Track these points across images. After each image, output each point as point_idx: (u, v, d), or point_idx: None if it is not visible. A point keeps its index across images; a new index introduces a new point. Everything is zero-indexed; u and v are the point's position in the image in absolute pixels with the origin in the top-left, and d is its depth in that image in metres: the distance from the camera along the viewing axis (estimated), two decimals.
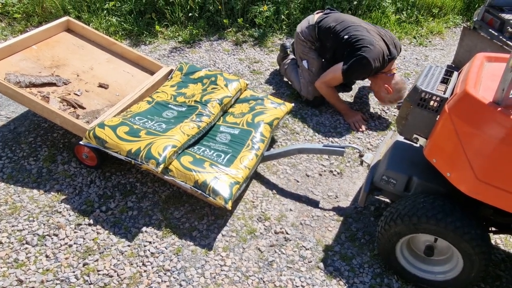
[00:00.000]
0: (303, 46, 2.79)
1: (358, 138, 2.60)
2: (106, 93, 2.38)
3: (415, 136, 1.66)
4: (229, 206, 1.80)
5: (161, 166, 1.82)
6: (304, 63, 2.79)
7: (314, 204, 2.14)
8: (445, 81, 1.66)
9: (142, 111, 2.17)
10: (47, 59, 2.43)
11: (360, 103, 2.91)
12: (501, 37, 2.86)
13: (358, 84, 3.11)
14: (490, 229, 1.73)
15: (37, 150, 2.33)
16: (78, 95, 2.30)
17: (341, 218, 2.06)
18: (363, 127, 2.66)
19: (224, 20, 3.79)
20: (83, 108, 2.24)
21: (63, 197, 2.06)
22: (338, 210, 2.11)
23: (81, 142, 2.00)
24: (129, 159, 1.86)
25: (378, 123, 2.74)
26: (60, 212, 1.98)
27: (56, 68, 2.41)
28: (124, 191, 2.11)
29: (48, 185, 2.12)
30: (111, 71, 2.53)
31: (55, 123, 2.14)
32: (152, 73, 2.59)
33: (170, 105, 2.26)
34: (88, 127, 2.01)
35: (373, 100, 2.95)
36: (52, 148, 2.35)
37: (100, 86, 2.41)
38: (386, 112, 2.84)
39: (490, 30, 2.95)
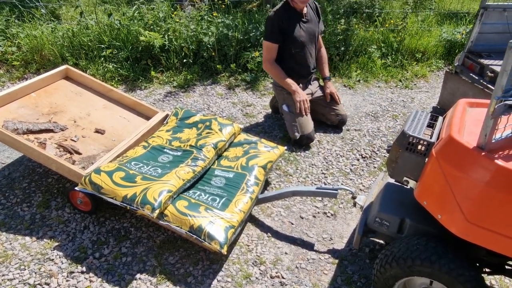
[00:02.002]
0: (281, 93, 2.94)
1: (350, 179, 2.65)
2: (103, 139, 2.42)
3: (405, 178, 1.71)
4: (224, 250, 1.79)
5: (157, 211, 1.83)
6: (284, 107, 2.92)
7: (309, 246, 2.14)
8: (431, 125, 1.74)
9: (138, 156, 2.21)
10: (45, 106, 2.49)
11: (351, 144, 2.99)
12: (481, 81, 3.00)
13: (347, 126, 3.20)
14: (484, 270, 1.74)
15: (31, 196, 2.33)
16: (75, 141, 2.34)
17: (337, 261, 2.06)
18: (305, 112, 2.84)
19: (218, 66, 3.94)
20: (79, 153, 2.27)
21: (56, 243, 2.03)
22: (333, 252, 2.11)
23: (76, 188, 2.01)
24: (125, 204, 1.87)
25: (369, 163, 2.80)
26: (52, 260, 1.95)
27: (54, 115, 2.46)
28: (118, 237, 2.10)
29: (41, 232, 2.10)
30: (107, 116, 2.59)
31: (51, 169, 2.15)
32: (148, 118, 2.65)
33: (165, 150, 2.31)
34: (84, 173, 2.03)
35: (363, 142, 3.03)
36: (46, 193, 2.35)
37: (97, 131, 2.45)
38: (376, 153, 2.91)
39: (471, 74, 3.11)
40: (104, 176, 1.96)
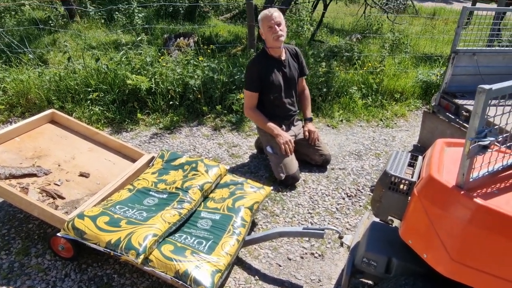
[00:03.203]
0: (265, 135, 3.01)
1: (337, 218, 2.66)
2: (87, 182, 2.40)
3: (390, 217, 1.74)
4: None
5: (141, 256, 1.79)
6: (269, 148, 2.97)
7: None
8: (411, 164, 1.79)
9: (123, 199, 2.18)
10: (29, 150, 2.47)
11: (336, 183, 3.03)
12: (457, 120, 3.14)
13: (332, 165, 3.26)
14: None
15: (10, 242, 2.25)
16: (58, 185, 2.31)
17: None
18: (289, 153, 2.88)
19: (203, 108, 4.01)
20: (62, 198, 2.23)
21: None
22: None
23: (58, 234, 1.96)
24: (108, 250, 1.83)
25: (354, 202, 2.83)
26: None
27: (38, 159, 2.44)
28: (100, 284, 2.02)
29: (19, 281, 2.01)
30: (93, 160, 2.58)
31: (33, 214, 2.10)
32: (133, 160, 2.65)
33: (151, 192, 2.29)
34: (67, 218, 1.99)
35: (348, 180, 3.07)
36: (26, 240, 2.28)
37: (81, 175, 2.43)
38: (361, 192, 2.94)
39: (447, 114, 3.25)
40: (87, 221, 1.92)
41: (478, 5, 9.28)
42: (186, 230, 2.10)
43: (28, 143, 2.53)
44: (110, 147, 2.72)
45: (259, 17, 2.81)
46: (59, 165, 2.45)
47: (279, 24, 2.75)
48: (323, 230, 2.13)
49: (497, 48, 3.42)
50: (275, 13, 2.74)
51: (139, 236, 1.85)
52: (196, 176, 2.40)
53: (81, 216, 1.96)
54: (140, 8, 6.06)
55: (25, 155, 2.43)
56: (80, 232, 1.89)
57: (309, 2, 8.99)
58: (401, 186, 1.65)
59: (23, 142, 2.52)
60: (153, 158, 2.65)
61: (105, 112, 3.80)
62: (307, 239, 2.44)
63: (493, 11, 4.33)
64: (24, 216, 2.45)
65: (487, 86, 1.22)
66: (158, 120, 3.87)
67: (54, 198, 2.21)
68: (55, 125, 2.75)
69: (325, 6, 7.28)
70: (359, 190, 2.97)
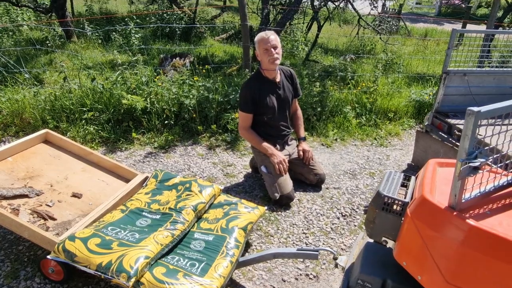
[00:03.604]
0: (259, 155, 3.01)
1: (332, 239, 2.63)
2: (79, 203, 2.37)
3: (384, 238, 1.73)
4: None
5: (133, 279, 1.75)
6: (263, 168, 2.97)
7: None
8: (404, 185, 1.80)
9: (115, 220, 2.16)
10: (21, 171, 2.45)
11: (331, 202, 3.02)
12: (450, 139, 3.16)
13: (326, 184, 3.25)
14: None
15: None
16: (50, 206, 2.28)
17: None
18: (284, 172, 2.89)
19: (198, 127, 4.02)
20: (54, 219, 2.20)
21: None
22: None
23: (48, 256, 1.93)
24: (99, 273, 1.79)
25: (349, 222, 2.81)
26: None
27: (30, 179, 2.42)
28: None
29: None
30: (86, 180, 2.56)
31: (23, 236, 2.07)
32: (127, 180, 2.63)
33: (144, 213, 2.27)
34: (57, 240, 1.96)
35: (343, 200, 3.06)
36: (15, 262, 2.23)
37: (74, 195, 2.41)
38: (356, 211, 2.93)
39: (440, 133, 3.28)
40: (78, 243, 1.89)
41: (468, 26, 9.50)
42: (179, 251, 2.07)
43: (20, 163, 2.51)
44: (104, 167, 2.71)
45: (256, 38, 2.85)
46: (51, 186, 2.43)
47: (275, 47, 2.79)
48: (317, 251, 2.11)
49: (487, 69, 3.49)
50: (272, 36, 2.79)
51: (130, 258, 1.82)
52: (189, 196, 2.39)
53: (72, 238, 1.93)
54: (137, 29, 6.15)
55: (17, 175, 2.41)
56: (70, 254, 1.86)
57: (303, 23, 9.18)
58: (394, 207, 1.65)
59: (15, 162, 2.50)
60: (146, 178, 2.63)
61: (99, 131, 3.80)
62: (301, 259, 2.41)
63: (483, 33, 4.43)
64: (14, 238, 2.41)
65: (476, 108, 1.24)
66: (153, 140, 3.87)
67: (45, 219, 2.18)
68: (48, 145, 2.74)
69: (319, 27, 7.42)
70: (354, 209, 2.96)
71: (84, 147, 2.75)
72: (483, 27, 7.75)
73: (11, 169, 2.43)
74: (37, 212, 2.19)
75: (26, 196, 2.29)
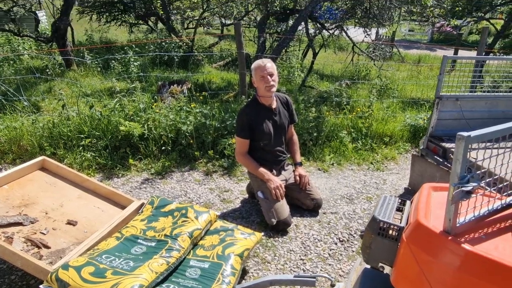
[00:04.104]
0: (256, 180, 3.02)
1: (329, 265, 2.60)
2: (74, 230, 2.35)
3: (380, 264, 1.71)
4: None
5: None
6: (260, 194, 2.96)
7: None
8: (400, 209, 1.80)
9: (110, 248, 2.13)
10: (16, 198, 2.44)
11: (328, 228, 3.00)
12: (446, 163, 3.18)
13: (323, 209, 3.24)
14: None
15: None
16: (44, 234, 2.26)
17: None
18: (280, 197, 2.88)
19: (196, 152, 4.04)
20: (48, 247, 2.17)
21: None
22: None
23: (41, 286, 1.89)
24: None
25: (347, 247, 2.78)
26: None
27: (25, 207, 2.40)
28: None
29: None
30: (81, 207, 2.55)
31: (16, 265, 2.04)
32: (123, 207, 2.62)
33: (139, 240, 2.24)
34: (51, 269, 1.93)
35: (340, 225, 3.04)
36: None
37: (69, 223, 2.39)
38: (353, 237, 2.91)
39: (435, 157, 3.30)
40: (72, 272, 1.86)
41: (460, 52, 9.74)
42: (174, 279, 2.03)
43: (16, 190, 2.50)
44: (100, 194, 2.70)
45: (253, 66, 2.91)
46: (46, 213, 2.42)
47: (271, 75, 2.85)
48: (314, 277, 2.08)
49: (478, 93, 3.56)
50: (268, 63, 2.85)
51: (124, 287, 1.79)
52: (185, 222, 2.37)
53: (65, 266, 1.90)
54: (136, 57, 6.28)
55: (12, 203, 2.40)
56: (63, 283, 1.83)
57: (299, 50, 9.39)
58: (390, 232, 1.64)
59: (11, 189, 2.49)
60: (142, 204, 2.62)
61: (96, 158, 3.81)
62: (299, 287, 2.37)
63: (473, 59, 4.54)
64: (7, 267, 2.38)
65: (465, 133, 1.27)
66: (150, 166, 3.87)
67: (39, 247, 2.16)
68: (45, 172, 2.73)
69: (315, 54, 7.59)
70: (351, 234, 2.93)
71: (81, 174, 2.75)
72: (474, 53, 7.94)
73: (7, 197, 2.42)
74: (31, 240, 2.17)
75: (20, 224, 2.27)
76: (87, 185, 2.72)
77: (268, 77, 2.82)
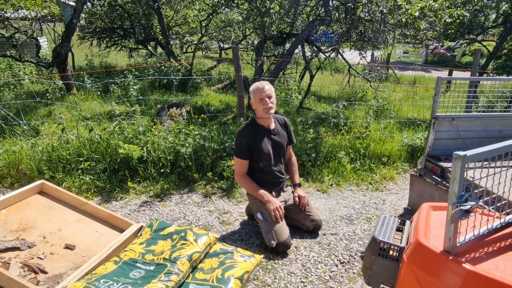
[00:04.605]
0: (255, 202, 3.01)
1: (331, 287, 2.56)
2: (72, 255, 2.32)
3: (382, 286, 1.70)
4: None
5: None
6: (259, 215, 2.95)
7: None
8: (399, 229, 1.79)
9: (108, 272, 2.11)
10: (14, 223, 2.43)
11: (328, 249, 2.97)
12: (444, 182, 3.19)
13: (323, 230, 3.22)
14: None
15: None
16: (42, 259, 2.23)
17: None
18: (280, 219, 2.88)
19: (194, 175, 4.04)
20: (45, 272, 2.14)
21: None
22: None
23: None
24: None
25: (348, 269, 2.75)
26: None
27: (23, 231, 2.38)
28: None
29: None
30: (79, 231, 2.53)
31: None
32: (122, 230, 2.60)
33: (138, 264, 2.22)
34: None
35: (340, 246, 3.02)
36: None
37: (66, 247, 2.36)
38: (354, 258, 2.88)
39: (434, 176, 3.31)
40: None
41: (454, 73, 9.90)
42: None
43: (14, 215, 2.49)
44: (98, 217, 2.68)
45: (251, 88, 2.96)
46: (44, 237, 2.39)
47: (269, 97, 2.89)
48: None
49: (473, 113, 3.60)
50: (267, 86, 2.90)
51: None
52: (184, 245, 2.35)
53: None
54: (135, 81, 6.36)
55: (9, 228, 2.38)
56: None
57: (296, 73, 9.53)
58: (391, 252, 1.64)
59: (9, 214, 2.48)
60: (141, 227, 2.60)
61: (95, 181, 3.80)
62: None
63: (467, 80, 4.62)
64: None
65: (462, 153, 1.28)
66: (149, 188, 3.86)
67: (36, 272, 2.13)
68: (43, 195, 2.73)
69: (312, 76, 7.70)
70: (352, 256, 2.90)
71: (79, 197, 2.74)
72: (468, 74, 8.07)
73: (4, 221, 2.41)
74: (28, 265, 2.14)
75: (17, 248, 2.24)
76: (85, 209, 2.71)
77: (267, 99, 2.86)
